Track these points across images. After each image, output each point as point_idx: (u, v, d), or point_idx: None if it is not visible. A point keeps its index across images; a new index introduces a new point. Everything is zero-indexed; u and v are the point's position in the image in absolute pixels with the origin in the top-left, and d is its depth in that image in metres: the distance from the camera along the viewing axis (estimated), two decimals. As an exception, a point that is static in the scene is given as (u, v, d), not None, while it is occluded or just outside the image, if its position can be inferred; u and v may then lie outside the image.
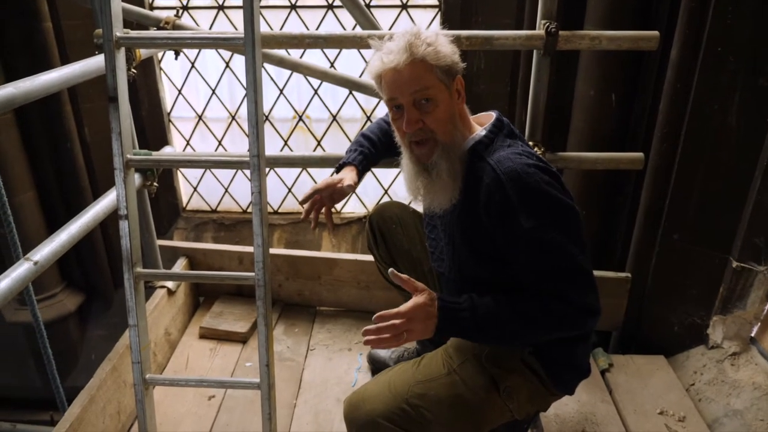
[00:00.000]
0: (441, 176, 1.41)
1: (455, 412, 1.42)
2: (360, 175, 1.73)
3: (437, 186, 1.43)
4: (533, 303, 1.35)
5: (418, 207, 1.68)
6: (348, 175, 1.68)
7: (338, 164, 1.76)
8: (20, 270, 1.50)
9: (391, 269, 1.33)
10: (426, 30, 1.41)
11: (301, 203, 1.69)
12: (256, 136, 1.53)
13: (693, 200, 2.28)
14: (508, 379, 1.47)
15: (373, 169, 3.73)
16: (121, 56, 1.58)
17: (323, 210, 1.69)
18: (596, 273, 1.43)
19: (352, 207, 4.07)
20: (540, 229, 1.31)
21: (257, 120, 1.52)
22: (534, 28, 1.94)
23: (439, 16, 3.47)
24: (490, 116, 1.51)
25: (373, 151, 1.78)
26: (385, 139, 1.82)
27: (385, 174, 3.91)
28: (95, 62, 1.83)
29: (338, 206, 4.03)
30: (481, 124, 1.50)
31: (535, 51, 1.94)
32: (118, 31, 1.57)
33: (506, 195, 1.32)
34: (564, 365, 1.52)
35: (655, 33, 1.90)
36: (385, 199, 3.98)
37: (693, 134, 2.21)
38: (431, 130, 1.39)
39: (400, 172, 4.02)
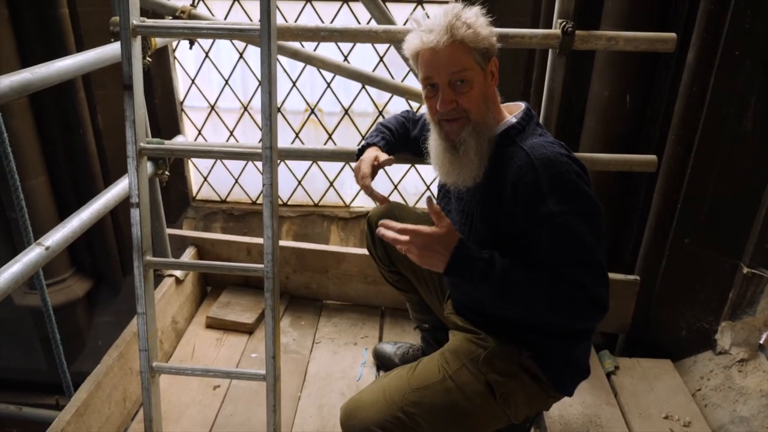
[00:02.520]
0: (468, 154, 1.42)
1: (451, 420, 1.41)
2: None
3: (463, 163, 1.44)
4: (549, 278, 1.32)
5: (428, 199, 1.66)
6: (376, 153, 1.71)
7: (360, 145, 1.79)
8: (32, 255, 1.51)
9: (428, 195, 1.34)
10: (467, 10, 1.40)
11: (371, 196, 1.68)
12: (269, 128, 1.53)
13: (705, 204, 2.27)
14: (505, 384, 1.46)
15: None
16: (137, 45, 1.58)
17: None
18: (605, 274, 1.42)
19: (360, 202, 4.07)
20: (566, 216, 1.32)
21: (271, 112, 1.52)
22: (550, 27, 1.93)
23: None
24: (519, 106, 1.53)
25: (393, 141, 1.80)
26: (402, 131, 1.84)
27: (395, 169, 3.90)
28: (111, 50, 1.84)
29: (347, 200, 4.05)
30: (511, 111, 1.51)
31: (550, 50, 1.92)
32: (135, 20, 1.57)
33: (537, 178, 1.33)
34: (564, 365, 1.51)
35: (672, 35, 1.88)
36: (395, 194, 3.98)
37: (707, 138, 2.19)
38: (465, 109, 1.40)
39: (410, 168, 4.01)
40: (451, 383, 1.45)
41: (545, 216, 1.33)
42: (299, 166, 3.95)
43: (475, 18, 1.39)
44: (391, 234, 1.34)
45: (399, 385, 1.46)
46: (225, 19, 3.62)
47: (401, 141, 1.84)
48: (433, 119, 1.48)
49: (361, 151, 1.78)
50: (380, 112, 3.78)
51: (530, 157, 1.36)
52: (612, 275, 2.34)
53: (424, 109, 1.60)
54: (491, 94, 1.46)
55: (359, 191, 4.02)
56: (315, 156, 2.20)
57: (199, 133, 4.00)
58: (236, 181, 4.08)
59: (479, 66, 1.39)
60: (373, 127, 1.86)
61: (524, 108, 1.51)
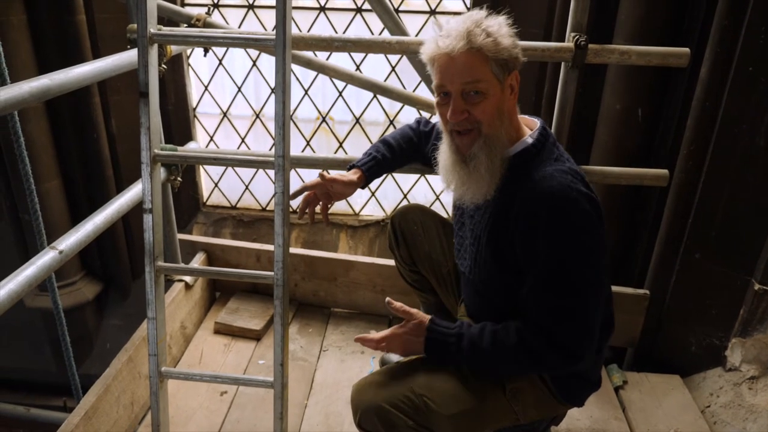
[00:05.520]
0: (478, 170, 1.38)
1: (459, 406, 1.41)
2: (366, 180, 1.77)
3: (473, 179, 1.40)
4: (516, 338, 1.36)
5: (441, 210, 1.69)
6: (350, 176, 1.74)
7: (348, 166, 1.80)
8: (45, 258, 1.53)
9: (387, 299, 1.45)
10: (490, 17, 1.34)
11: (291, 198, 1.69)
12: (282, 136, 1.54)
13: (717, 220, 2.25)
14: (515, 381, 1.47)
15: (394, 174, 3.73)
16: (153, 52, 1.60)
17: (319, 207, 1.77)
18: (614, 289, 1.42)
19: (370, 210, 4.08)
20: (558, 259, 1.31)
21: (284, 121, 1.53)
22: (563, 40, 1.93)
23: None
24: (534, 122, 1.47)
25: (389, 157, 1.79)
26: (406, 145, 1.82)
27: (405, 178, 3.91)
28: (127, 57, 1.86)
29: (356, 208, 4.06)
30: (528, 126, 1.46)
31: (563, 63, 1.93)
32: (152, 28, 1.58)
33: (537, 214, 1.31)
34: (572, 377, 1.51)
35: (686, 50, 1.88)
36: (404, 203, 3.98)
37: (720, 153, 2.18)
38: (477, 120, 1.35)
39: (420, 177, 4.01)
40: (463, 370, 1.46)
41: (538, 255, 1.31)
42: (310, 173, 3.96)
43: (498, 27, 1.33)
44: (372, 345, 1.47)
45: (412, 367, 1.48)
46: (239, 26, 3.65)
47: (404, 156, 1.82)
48: (445, 128, 1.43)
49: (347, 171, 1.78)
50: (391, 122, 3.79)
51: (535, 190, 1.32)
52: (621, 289, 2.33)
53: (436, 118, 1.60)
54: (508, 109, 1.39)
55: (369, 199, 4.03)
56: (326, 164, 2.21)
57: (211, 139, 4.03)
58: (246, 188, 4.11)
59: (496, 78, 1.33)
60: (374, 143, 1.84)
61: (539, 127, 1.44)
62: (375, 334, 1.48)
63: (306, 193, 1.75)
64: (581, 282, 1.32)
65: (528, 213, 1.32)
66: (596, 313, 1.36)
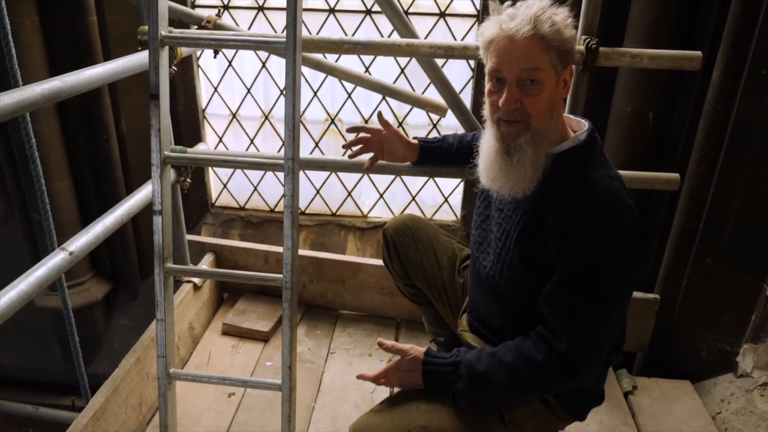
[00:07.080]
0: (522, 163, 1.32)
1: None
2: (420, 153, 1.83)
3: (514, 172, 1.34)
4: (514, 353, 1.35)
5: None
6: (409, 138, 1.83)
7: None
8: (56, 259, 1.54)
9: (379, 339, 1.49)
10: (554, 7, 1.30)
11: (349, 130, 1.85)
12: (291, 139, 1.53)
13: (728, 224, 2.23)
14: (514, 411, 1.44)
15: (402, 176, 3.72)
16: (164, 54, 1.60)
17: (369, 155, 1.85)
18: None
19: (378, 212, 4.08)
20: (591, 265, 1.28)
21: (294, 123, 1.53)
22: (574, 43, 1.92)
23: (476, 26, 3.46)
24: (581, 124, 1.42)
25: (445, 148, 1.83)
26: (459, 145, 1.84)
27: (413, 180, 3.91)
28: (138, 59, 1.86)
29: (364, 210, 4.06)
30: (571, 126, 1.42)
31: (573, 66, 1.91)
32: (164, 30, 1.58)
33: (582, 217, 1.28)
34: (575, 392, 1.47)
35: (698, 53, 1.86)
36: (413, 205, 3.98)
37: (732, 157, 2.16)
38: (527, 113, 1.30)
39: (428, 179, 4.00)
40: (459, 408, 1.41)
41: (570, 256, 1.28)
42: (318, 175, 3.97)
43: (563, 17, 1.29)
44: (369, 381, 1.50)
45: (407, 407, 1.43)
46: (249, 28, 3.66)
47: (455, 155, 1.82)
48: (491, 117, 1.36)
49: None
50: (400, 124, 3.79)
51: (583, 193, 1.28)
52: (631, 293, 2.32)
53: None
54: (558, 103, 1.35)
55: (377, 201, 4.03)
56: (335, 167, 2.22)
57: (220, 140, 4.04)
58: (255, 189, 4.11)
59: (554, 69, 1.29)
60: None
61: (588, 128, 1.39)
62: (372, 372, 1.49)
63: (362, 135, 1.82)
64: (607, 289, 1.29)
65: (571, 214, 1.28)
66: (611, 326, 1.33)
